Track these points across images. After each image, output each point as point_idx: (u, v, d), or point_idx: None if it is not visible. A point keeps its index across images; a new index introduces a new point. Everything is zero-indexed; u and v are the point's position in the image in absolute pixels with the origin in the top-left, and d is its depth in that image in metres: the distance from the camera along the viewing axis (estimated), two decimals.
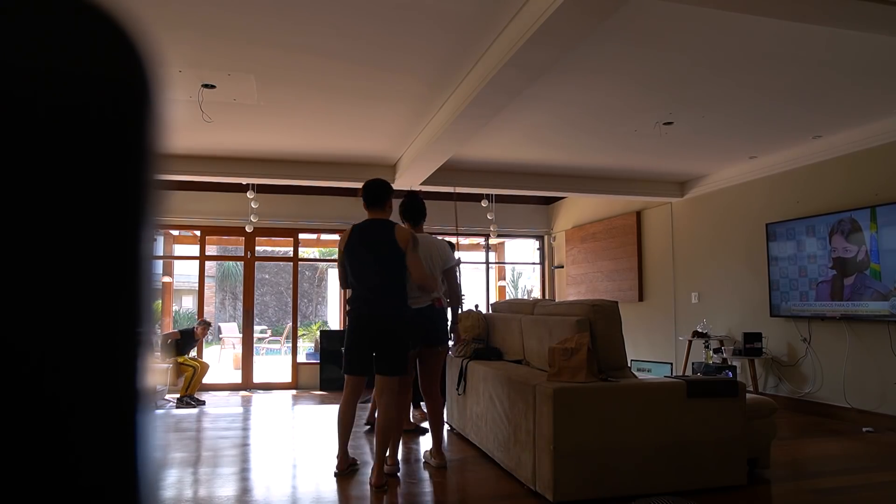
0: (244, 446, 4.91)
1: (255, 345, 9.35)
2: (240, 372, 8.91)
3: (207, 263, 8.99)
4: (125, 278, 0.27)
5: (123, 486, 0.27)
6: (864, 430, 5.26)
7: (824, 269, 5.85)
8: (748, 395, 3.74)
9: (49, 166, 0.25)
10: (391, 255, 3.65)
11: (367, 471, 3.83)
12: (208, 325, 7.97)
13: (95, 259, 0.26)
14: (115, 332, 0.27)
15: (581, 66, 4.16)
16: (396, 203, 4.09)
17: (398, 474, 3.81)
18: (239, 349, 9.43)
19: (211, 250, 13.66)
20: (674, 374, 7.31)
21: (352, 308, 3.74)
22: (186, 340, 7.65)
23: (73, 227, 0.26)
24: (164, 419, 6.16)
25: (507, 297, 13.04)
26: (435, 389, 4.17)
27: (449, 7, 3.36)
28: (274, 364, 11.62)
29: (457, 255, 4.69)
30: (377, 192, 3.81)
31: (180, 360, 7.48)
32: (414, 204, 4.29)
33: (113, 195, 0.27)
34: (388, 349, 3.63)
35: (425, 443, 4.76)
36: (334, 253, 7.56)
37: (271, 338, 16.59)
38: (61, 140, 0.26)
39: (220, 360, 13.01)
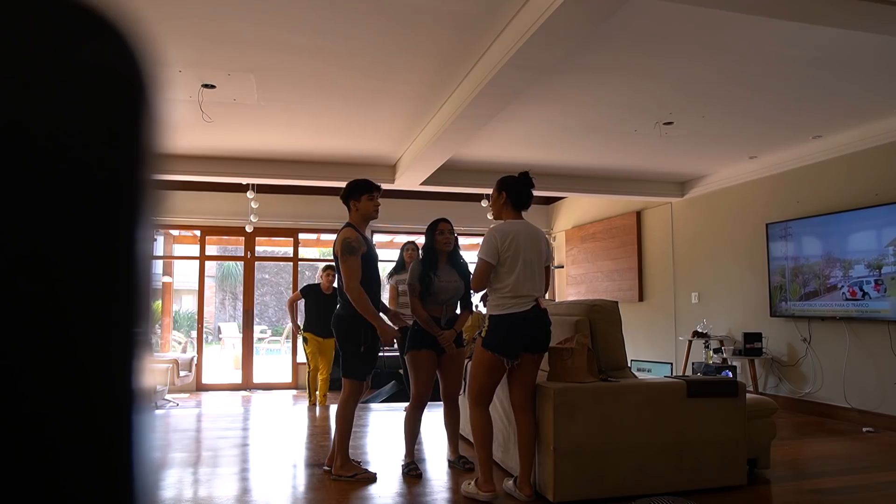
0: (244, 446, 4.91)
1: (255, 345, 9.35)
2: (240, 372, 8.91)
3: (207, 263, 8.98)
4: (122, 278, 0.27)
5: (120, 486, 0.27)
6: (864, 430, 5.26)
7: (825, 268, 5.85)
8: (748, 395, 3.74)
9: (45, 168, 0.25)
10: (336, 261, 3.76)
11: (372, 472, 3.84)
12: (332, 269, 6.66)
13: (92, 260, 0.26)
14: (112, 332, 0.27)
15: (581, 66, 4.16)
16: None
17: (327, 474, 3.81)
18: (239, 349, 9.42)
19: (211, 250, 13.66)
20: (674, 374, 7.31)
21: None
22: (313, 301, 6.76)
23: (69, 227, 0.26)
24: (164, 419, 6.16)
25: None
26: (525, 404, 3.34)
27: (449, 7, 3.36)
28: (274, 364, 11.63)
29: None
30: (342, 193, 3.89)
31: (306, 335, 6.73)
32: (514, 185, 3.42)
33: (110, 196, 0.27)
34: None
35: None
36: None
37: (271, 338, 16.58)
38: (57, 142, 0.26)
39: (219, 361, 13.01)
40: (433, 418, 5.84)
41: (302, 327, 6.92)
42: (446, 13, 3.43)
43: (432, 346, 3.81)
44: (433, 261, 3.88)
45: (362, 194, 3.77)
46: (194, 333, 10.13)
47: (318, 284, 6.96)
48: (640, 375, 3.90)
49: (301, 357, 8.94)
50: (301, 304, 7.05)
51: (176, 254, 10.14)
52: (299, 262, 9.13)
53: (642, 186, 7.79)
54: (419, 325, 3.83)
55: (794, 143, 6.05)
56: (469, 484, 3.35)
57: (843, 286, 5.66)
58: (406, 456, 3.97)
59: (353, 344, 3.68)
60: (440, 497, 3.50)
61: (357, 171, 6.85)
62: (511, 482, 3.40)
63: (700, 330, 7.10)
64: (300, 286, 7.52)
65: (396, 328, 3.92)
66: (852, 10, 3.04)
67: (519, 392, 3.32)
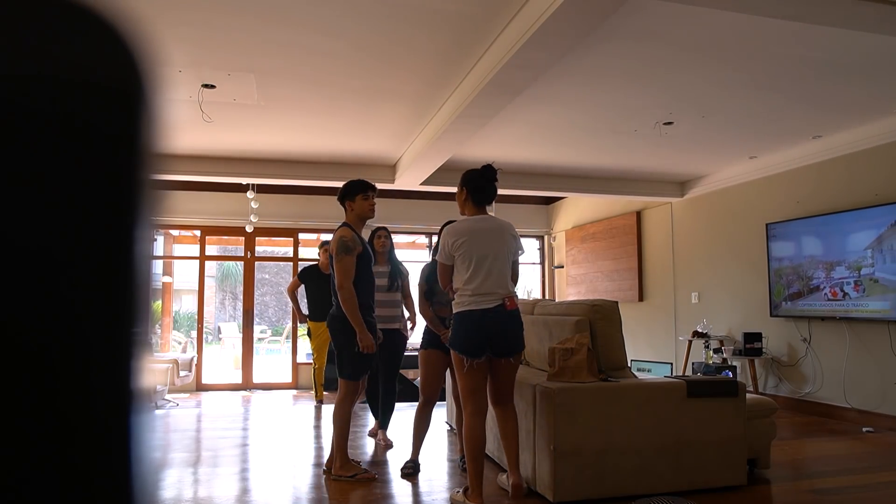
0: (244, 446, 4.91)
1: (255, 345, 9.35)
2: (240, 372, 8.91)
3: (207, 263, 8.98)
4: (120, 279, 0.27)
5: (118, 487, 0.27)
6: (864, 430, 5.26)
7: (824, 268, 5.86)
8: (748, 395, 3.74)
9: (44, 167, 0.25)
10: (331, 260, 3.76)
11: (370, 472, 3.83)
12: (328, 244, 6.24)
13: (90, 260, 0.26)
14: (111, 332, 0.27)
15: (581, 65, 4.16)
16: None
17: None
18: (239, 349, 9.42)
19: (211, 250, 13.66)
20: (674, 374, 7.31)
21: None
22: (313, 285, 6.49)
23: (68, 228, 0.26)
24: (164, 419, 6.16)
25: None
26: (500, 400, 3.33)
27: (449, 7, 3.36)
28: (274, 364, 11.62)
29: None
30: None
31: (311, 327, 6.52)
32: (473, 180, 3.31)
33: (109, 196, 0.27)
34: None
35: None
36: None
37: (271, 338, 16.57)
38: (55, 143, 0.26)
39: (219, 361, 13.01)
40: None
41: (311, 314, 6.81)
42: (446, 13, 3.43)
43: (441, 345, 3.82)
44: None
45: (357, 194, 3.80)
46: (194, 333, 10.12)
47: (316, 265, 6.84)
48: (640, 375, 3.90)
49: (301, 357, 8.97)
50: (302, 289, 7.00)
51: (176, 254, 10.13)
52: (299, 262, 9.13)
53: (642, 186, 7.79)
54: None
55: (794, 143, 6.05)
56: (458, 492, 3.30)
57: (824, 287, 5.71)
58: (412, 454, 3.98)
59: (348, 344, 3.69)
60: (440, 497, 3.50)
61: (357, 171, 6.85)
62: (504, 476, 3.44)
63: (700, 330, 7.10)
64: (299, 288, 7.44)
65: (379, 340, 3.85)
66: (852, 10, 3.04)
67: (494, 396, 3.30)
